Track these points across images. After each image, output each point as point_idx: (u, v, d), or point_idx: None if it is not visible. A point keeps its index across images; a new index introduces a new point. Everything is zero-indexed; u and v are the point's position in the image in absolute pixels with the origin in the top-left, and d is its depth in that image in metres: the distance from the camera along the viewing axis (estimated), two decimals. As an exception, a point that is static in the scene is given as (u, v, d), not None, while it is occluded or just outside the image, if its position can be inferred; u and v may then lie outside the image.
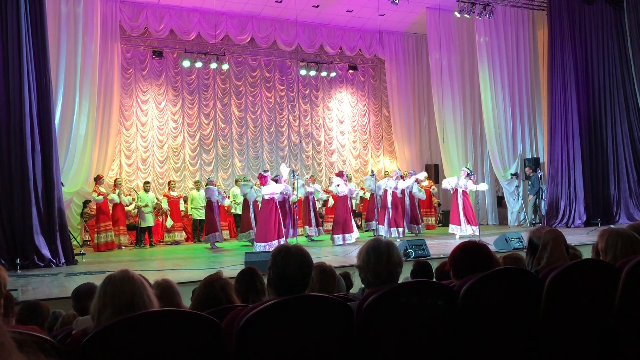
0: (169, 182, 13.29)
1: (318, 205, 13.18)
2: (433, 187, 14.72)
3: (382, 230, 11.55)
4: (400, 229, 11.52)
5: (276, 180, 10.80)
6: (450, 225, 11.71)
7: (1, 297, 2.09)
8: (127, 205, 12.32)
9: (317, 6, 14.21)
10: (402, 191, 12.08)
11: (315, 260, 2.51)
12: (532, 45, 14.67)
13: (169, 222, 12.62)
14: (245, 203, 11.65)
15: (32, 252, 8.72)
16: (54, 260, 8.88)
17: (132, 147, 14.03)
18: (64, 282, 7.22)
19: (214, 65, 13.71)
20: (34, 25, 9.13)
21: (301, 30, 15.03)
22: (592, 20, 13.89)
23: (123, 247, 11.80)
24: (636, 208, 13.58)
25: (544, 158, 14.41)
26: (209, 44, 14.10)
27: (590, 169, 13.58)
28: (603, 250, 3.05)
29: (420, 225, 12.78)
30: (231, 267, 7.84)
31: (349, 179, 12.76)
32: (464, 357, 2.46)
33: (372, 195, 12.97)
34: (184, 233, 13.03)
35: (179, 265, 8.88)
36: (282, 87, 15.90)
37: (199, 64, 13.77)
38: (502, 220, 15.02)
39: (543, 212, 13.57)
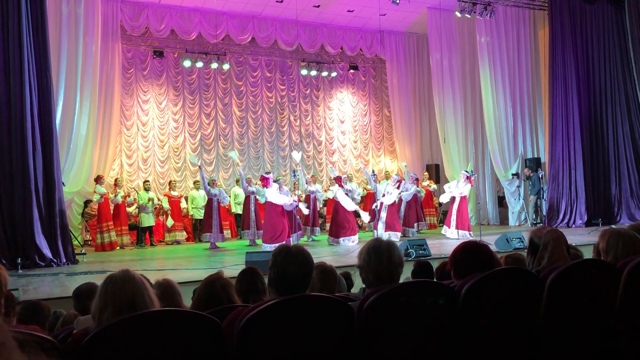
0: (170, 182, 13.30)
1: (319, 205, 13.19)
2: (434, 186, 14.71)
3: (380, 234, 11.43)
4: (398, 233, 11.45)
5: (277, 182, 10.88)
6: (444, 225, 11.82)
7: (2, 296, 2.09)
8: (128, 206, 12.34)
9: (318, 6, 14.21)
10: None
11: (316, 260, 2.51)
12: (533, 45, 14.66)
13: (170, 222, 12.63)
14: (247, 202, 11.70)
15: (33, 251, 8.73)
16: (55, 260, 8.89)
17: (133, 147, 14.03)
18: (65, 282, 7.23)
19: (214, 65, 13.71)
20: (35, 26, 9.14)
21: (302, 30, 15.03)
22: (593, 20, 13.89)
23: (125, 247, 11.80)
24: (637, 208, 13.58)
25: (545, 158, 14.40)
26: (209, 43, 14.11)
27: (592, 169, 13.58)
28: (604, 250, 3.05)
29: (422, 223, 12.77)
30: (232, 267, 7.85)
31: (350, 179, 12.76)
32: (464, 357, 2.46)
33: (372, 194, 12.95)
34: (184, 233, 13.04)
35: (180, 265, 8.88)
36: (283, 87, 15.90)
37: (199, 64, 13.77)
38: (503, 220, 15.01)
39: (544, 212, 13.56)
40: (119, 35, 13.02)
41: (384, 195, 11.45)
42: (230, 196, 13.48)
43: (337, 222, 11.22)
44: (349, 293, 3.37)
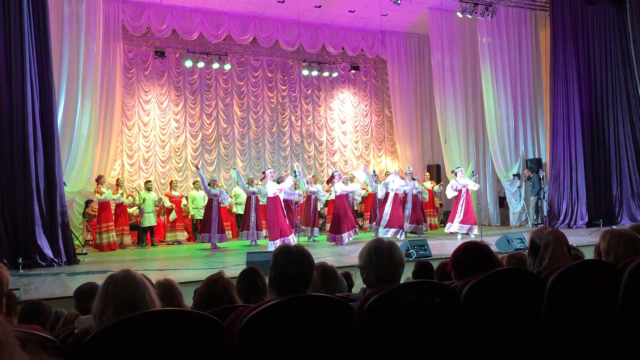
0: (171, 182, 13.31)
1: (320, 205, 13.20)
2: (435, 187, 14.71)
3: (390, 233, 11.41)
4: (401, 230, 11.46)
5: (279, 181, 10.90)
6: (448, 222, 11.78)
7: (3, 296, 2.09)
8: (130, 207, 12.35)
9: (320, 6, 14.21)
10: (404, 192, 12.11)
11: (316, 260, 2.51)
12: (535, 46, 14.66)
13: (173, 216, 12.64)
14: (248, 202, 11.71)
15: (34, 251, 8.74)
16: (56, 260, 8.90)
17: (134, 147, 14.04)
18: (66, 282, 7.24)
19: (216, 65, 13.72)
20: (36, 25, 9.15)
21: (303, 31, 15.03)
22: (595, 20, 13.88)
23: (126, 247, 11.80)
24: (638, 209, 13.57)
25: (546, 158, 14.40)
26: (211, 44, 14.12)
27: (593, 169, 13.57)
28: (605, 251, 3.05)
29: (422, 225, 12.76)
30: (233, 267, 7.85)
31: (351, 179, 12.75)
32: (465, 357, 2.46)
33: (372, 195, 12.95)
34: (185, 233, 13.05)
35: (181, 265, 8.88)
36: (284, 87, 15.90)
37: (201, 64, 13.79)
38: (504, 220, 15.01)
39: (544, 213, 13.56)
40: (120, 35, 13.04)
41: (387, 193, 11.52)
42: (231, 196, 13.49)
43: (339, 217, 11.20)
44: (350, 293, 3.37)
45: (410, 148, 16.37)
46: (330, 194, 12.64)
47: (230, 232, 13.20)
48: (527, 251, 3.11)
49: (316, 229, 12.35)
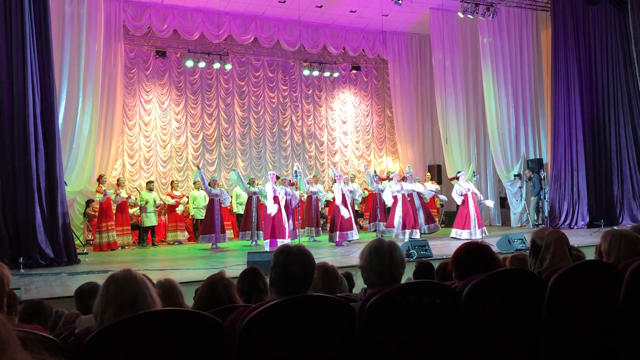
0: (172, 182, 13.32)
1: (320, 205, 13.19)
2: (436, 187, 14.70)
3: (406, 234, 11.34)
4: (416, 230, 11.42)
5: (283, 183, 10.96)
6: (455, 229, 11.46)
7: (4, 295, 2.10)
8: (131, 207, 12.36)
9: (321, 6, 14.22)
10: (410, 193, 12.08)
11: (317, 261, 2.51)
12: (536, 46, 14.65)
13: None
14: (249, 202, 11.72)
15: (35, 251, 8.74)
16: (57, 260, 8.90)
17: (135, 147, 14.05)
18: (67, 281, 7.24)
19: (217, 65, 13.72)
20: (38, 25, 9.16)
21: (304, 31, 15.03)
22: (596, 20, 13.86)
23: (127, 247, 11.81)
24: (639, 209, 13.54)
25: (547, 159, 14.39)
26: (212, 44, 14.12)
27: (594, 170, 13.55)
28: (606, 251, 3.04)
29: (429, 225, 12.73)
30: (234, 267, 7.85)
31: (352, 180, 12.75)
32: (466, 357, 2.46)
33: (373, 195, 12.95)
34: (186, 233, 13.06)
35: (182, 265, 8.89)
36: (285, 87, 15.91)
37: (202, 64, 13.79)
38: (505, 221, 15.00)
39: (546, 213, 13.55)
40: (121, 35, 13.04)
41: (395, 197, 11.49)
42: (232, 196, 13.50)
43: (343, 217, 11.18)
44: (351, 293, 3.36)
45: (411, 148, 16.37)
46: (329, 192, 12.66)
47: (232, 232, 13.20)
48: (528, 252, 3.11)
49: (317, 229, 12.32)
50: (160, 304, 2.09)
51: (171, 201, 12.72)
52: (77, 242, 10.52)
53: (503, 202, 15.27)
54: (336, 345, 2.16)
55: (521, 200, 14.41)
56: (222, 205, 11.69)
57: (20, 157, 8.83)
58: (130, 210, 12.37)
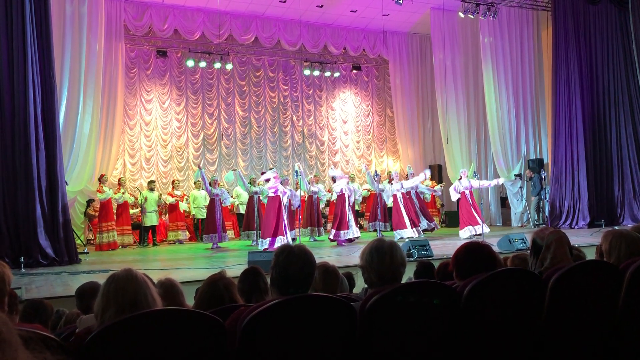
0: (173, 182, 13.34)
1: (321, 205, 13.18)
2: (436, 187, 14.70)
3: (407, 233, 11.34)
4: (418, 228, 11.46)
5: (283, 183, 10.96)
6: (468, 227, 11.28)
7: (5, 295, 2.10)
8: (132, 208, 12.37)
9: (321, 6, 14.22)
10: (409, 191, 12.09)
11: (318, 260, 2.51)
12: (537, 46, 14.64)
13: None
14: (250, 202, 11.71)
15: (35, 250, 8.75)
16: (58, 259, 8.91)
17: (136, 147, 14.06)
18: (68, 281, 7.24)
19: (217, 65, 13.73)
20: (38, 25, 9.16)
21: (305, 30, 15.04)
22: (597, 20, 13.85)
23: (128, 247, 11.81)
24: (640, 209, 13.54)
25: (547, 159, 14.38)
26: (213, 43, 14.12)
27: (595, 170, 13.54)
28: (607, 251, 3.04)
29: (430, 223, 12.73)
30: (234, 266, 7.85)
31: (352, 179, 12.75)
32: (467, 357, 2.46)
33: (374, 195, 12.94)
34: (187, 232, 13.06)
35: (183, 264, 8.89)
36: (285, 87, 15.91)
37: (202, 64, 13.79)
38: (506, 221, 14.99)
39: (546, 213, 13.54)
40: (122, 35, 13.06)
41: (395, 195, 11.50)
42: (232, 196, 13.50)
43: (345, 215, 11.19)
44: (351, 293, 3.36)
45: (412, 148, 16.37)
46: (330, 192, 12.66)
47: (232, 231, 13.20)
48: (528, 252, 3.11)
49: (319, 229, 12.32)
50: (161, 303, 2.09)
51: (171, 200, 12.72)
52: (77, 241, 10.54)
53: (504, 202, 15.27)
54: (337, 345, 2.16)
55: (522, 200, 14.40)
56: (222, 205, 11.70)
57: (21, 157, 8.83)
58: (131, 211, 12.38)
